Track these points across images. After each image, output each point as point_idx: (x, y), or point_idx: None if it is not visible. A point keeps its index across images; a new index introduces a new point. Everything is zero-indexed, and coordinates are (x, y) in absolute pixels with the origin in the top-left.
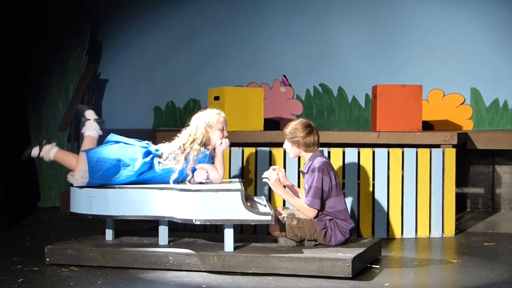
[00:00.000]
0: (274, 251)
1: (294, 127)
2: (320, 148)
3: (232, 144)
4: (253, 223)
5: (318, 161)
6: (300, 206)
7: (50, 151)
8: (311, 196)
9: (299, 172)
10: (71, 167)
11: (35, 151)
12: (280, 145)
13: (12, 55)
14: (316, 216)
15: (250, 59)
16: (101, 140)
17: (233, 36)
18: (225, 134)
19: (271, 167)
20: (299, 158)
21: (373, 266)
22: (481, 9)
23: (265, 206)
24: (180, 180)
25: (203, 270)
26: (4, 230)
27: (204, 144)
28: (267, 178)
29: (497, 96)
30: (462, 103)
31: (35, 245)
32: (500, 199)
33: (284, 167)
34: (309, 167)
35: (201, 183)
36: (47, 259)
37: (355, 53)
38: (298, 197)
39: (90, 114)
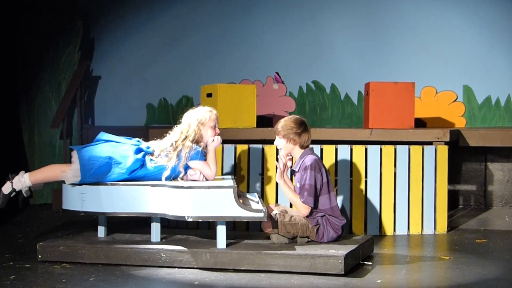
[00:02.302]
0: (267, 248)
1: (289, 124)
2: (310, 146)
3: (224, 141)
4: (246, 220)
5: (309, 159)
6: (295, 202)
7: (23, 177)
8: (304, 194)
9: (291, 172)
10: (55, 178)
11: (7, 187)
12: (273, 142)
13: (4, 51)
14: (310, 214)
15: (243, 56)
16: (91, 139)
17: (226, 33)
18: (217, 131)
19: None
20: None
21: (365, 263)
22: (473, 7)
23: (257, 203)
24: (173, 177)
25: (195, 267)
26: None
27: (196, 141)
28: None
29: (489, 94)
30: (455, 101)
31: (27, 242)
32: (492, 196)
33: (277, 167)
34: (300, 165)
35: (194, 179)
36: (39, 256)
37: (348, 50)
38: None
39: (6, 188)
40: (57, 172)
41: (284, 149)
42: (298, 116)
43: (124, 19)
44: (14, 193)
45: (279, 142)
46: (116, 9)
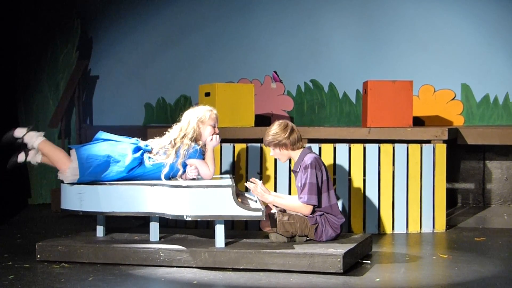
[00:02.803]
0: (265, 247)
1: (274, 132)
2: (308, 145)
3: (223, 140)
4: (244, 219)
5: (309, 158)
6: (294, 206)
7: (36, 138)
8: (307, 193)
9: (289, 171)
10: (56, 163)
11: (21, 131)
12: None
13: (3, 51)
14: (312, 212)
15: (241, 55)
16: (89, 138)
17: (224, 32)
18: (216, 130)
19: (251, 180)
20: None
21: (364, 261)
22: (471, 5)
23: (256, 202)
24: (172, 175)
25: (194, 266)
26: None
27: (195, 140)
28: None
29: (487, 92)
30: (453, 99)
31: (26, 242)
32: (490, 194)
33: (275, 166)
34: (300, 165)
35: (193, 179)
36: (38, 256)
37: (346, 49)
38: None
39: (19, 132)
40: (59, 162)
41: (281, 157)
42: (279, 121)
43: (122, 19)
44: (20, 141)
45: (274, 153)
46: (114, 9)
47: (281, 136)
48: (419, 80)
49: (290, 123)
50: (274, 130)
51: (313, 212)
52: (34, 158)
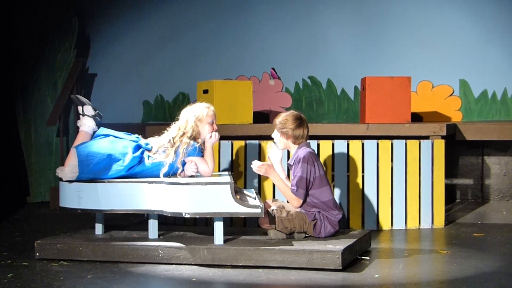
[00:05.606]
0: (264, 243)
1: (285, 118)
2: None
3: (221, 137)
4: (243, 216)
5: (303, 152)
6: (286, 194)
7: (85, 125)
8: (295, 185)
9: (287, 168)
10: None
11: (87, 110)
12: (269, 138)
13: (0, 49)
14: (301, 206)
15: (238, 52)
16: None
17: (221, 29)
18: (215, 127)
19: (269, 145)
20: (288, 150)
21: (363, 257)
22: (469, 1)
23: (254, 199)
24: (171, 173)
25: (193, 263)
26: None
27: (194, 138)
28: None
29: (485, 87)
30: (451, 95)
31: (24, 240)
32: (489, 190)
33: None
34: (294, 158)
35: (191, 176)
36: (37, 254)
37: (343, 46)
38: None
39: (88, 110)
40: (68, 156)
41: (278, 143)
42: (296, 112)
43: (120, 16)
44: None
45: (274, 135)
46: (112, 6)
47: (287, 125)
48: (417, 76)
49: (303, 119)
50: (286, 117)
51: (301, 206)
52: (83, 121)
